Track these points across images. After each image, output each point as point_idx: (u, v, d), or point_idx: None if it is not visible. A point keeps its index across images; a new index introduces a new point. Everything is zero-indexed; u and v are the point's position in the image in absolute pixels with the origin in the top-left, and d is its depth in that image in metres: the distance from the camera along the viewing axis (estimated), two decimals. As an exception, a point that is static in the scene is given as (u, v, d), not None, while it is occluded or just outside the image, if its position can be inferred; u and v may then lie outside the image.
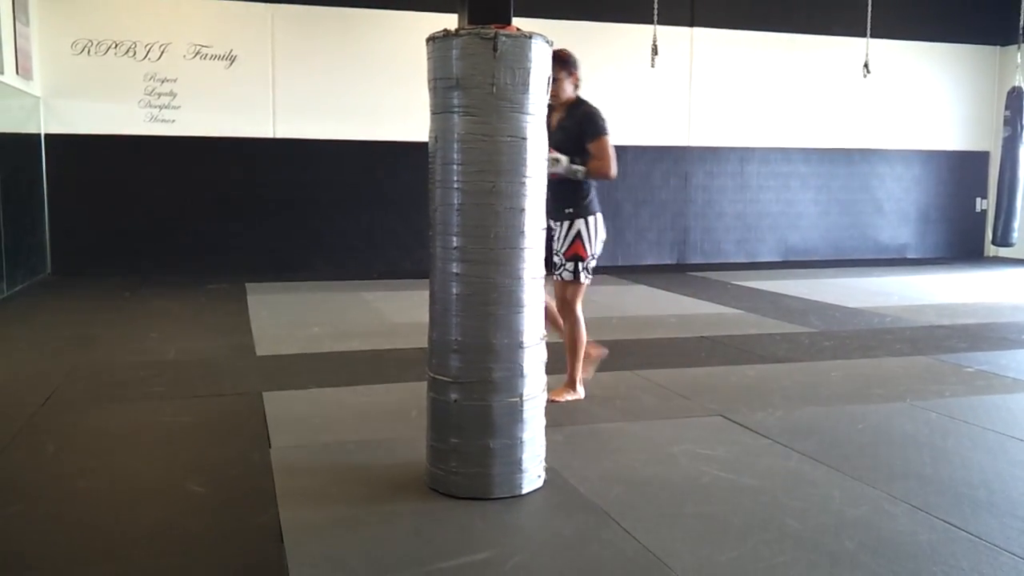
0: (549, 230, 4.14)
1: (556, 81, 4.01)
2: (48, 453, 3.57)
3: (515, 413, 3.06)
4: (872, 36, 9.72)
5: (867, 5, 9.49)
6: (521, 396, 3.07)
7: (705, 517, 2.90)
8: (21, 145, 8.44)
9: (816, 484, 3.21)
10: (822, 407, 4.30)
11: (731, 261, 11.39)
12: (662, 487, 3.17)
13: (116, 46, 9.30)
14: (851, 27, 10.75)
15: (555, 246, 4.25)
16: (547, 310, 4.32)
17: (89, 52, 9.22)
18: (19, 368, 5.12)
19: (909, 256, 12.16)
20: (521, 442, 3.07)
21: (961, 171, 12.33)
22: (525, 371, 3.08)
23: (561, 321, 4.36)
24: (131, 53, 9.34)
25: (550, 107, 3.94)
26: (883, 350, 5.72)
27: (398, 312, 7.11)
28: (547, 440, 3.22)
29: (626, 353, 5.58)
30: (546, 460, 3.22)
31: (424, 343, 3.26)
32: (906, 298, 8.19)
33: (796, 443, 3.68)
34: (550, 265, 4.21)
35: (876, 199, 12.03)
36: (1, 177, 7.48)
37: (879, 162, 11.99)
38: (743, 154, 11.41)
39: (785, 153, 11.56)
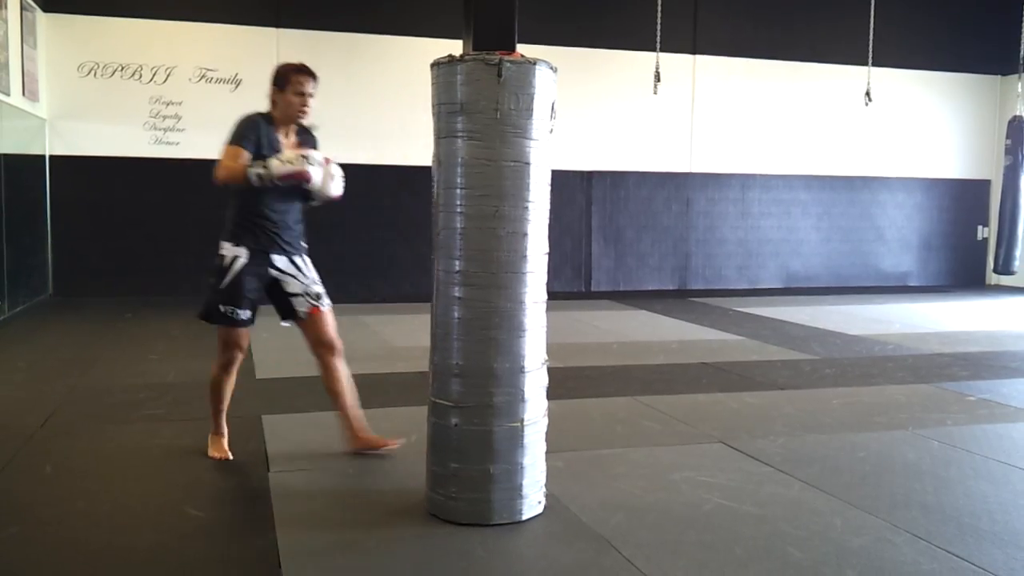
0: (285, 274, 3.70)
1: (312, 96, 3.73)
2: (46, 474, 3.55)
3: (516, 438, 3.05)
4: (874, 65, 9.78)
5: (869, 34, 9.55)
6: (522, 421, 3.06)
7: (706, 546, 2.87)
8: (26, 166, 8.48)
9: (818, 513, 3.19)
10: (824, 435, 4.28)
11: (732, 287, 11.39)
12: (663, 515, 3.15)
13: (122, 69, 9.36)
14: (853, 56, 10.84)
15: (301, 284, 3.75)
16: (335, 383, 3.77)
17: (95, 75, 9.29)
18: (19, 389, 5.11)
19: (910, 284, 12.15)
20: (522, 467, 3.06)
21: (962, 199, 12.36)
22: (526, 396, 3.07)
23: (343, 368, 3.84)
24: (137, 76, 9.40)
25: (295, 126, 3.71)
26: (885, 378, 5.70)
27: (399, 336, 7.11)
28: (547, 466, 3.21)
29: (627, 379, 5.57)
30: (546, 486, 3.20)
31: (424, 367, 3.26)
32: (908, 326, 8.18)
33: (798, 471, 3.66)
34: (290, 312, 3.77)
35: (877, 227, 12.05)
36: (5, 198, 7.51)
37: (881, 190, 12.01)
38: (745, 181, 11.45)
39: (787, 180, 11.59)
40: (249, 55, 9.68)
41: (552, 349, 3.28)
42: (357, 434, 3.83)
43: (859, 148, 11.81)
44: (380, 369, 5.74)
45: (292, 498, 3.28)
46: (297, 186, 3.63)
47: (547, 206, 3.14)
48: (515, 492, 3.05)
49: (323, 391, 4.30)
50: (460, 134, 3.00)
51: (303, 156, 3.59)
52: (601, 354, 6.49)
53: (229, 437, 3.94)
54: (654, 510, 3.19)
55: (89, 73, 9.27)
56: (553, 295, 3.27)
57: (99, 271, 9.32)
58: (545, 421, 3.18)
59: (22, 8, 8.23)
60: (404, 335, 7.07)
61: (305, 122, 3.82)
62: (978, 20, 11.97)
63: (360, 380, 5.39)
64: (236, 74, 9.66)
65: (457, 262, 3.04)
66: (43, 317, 7.94)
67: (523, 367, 3.06)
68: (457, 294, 3.04)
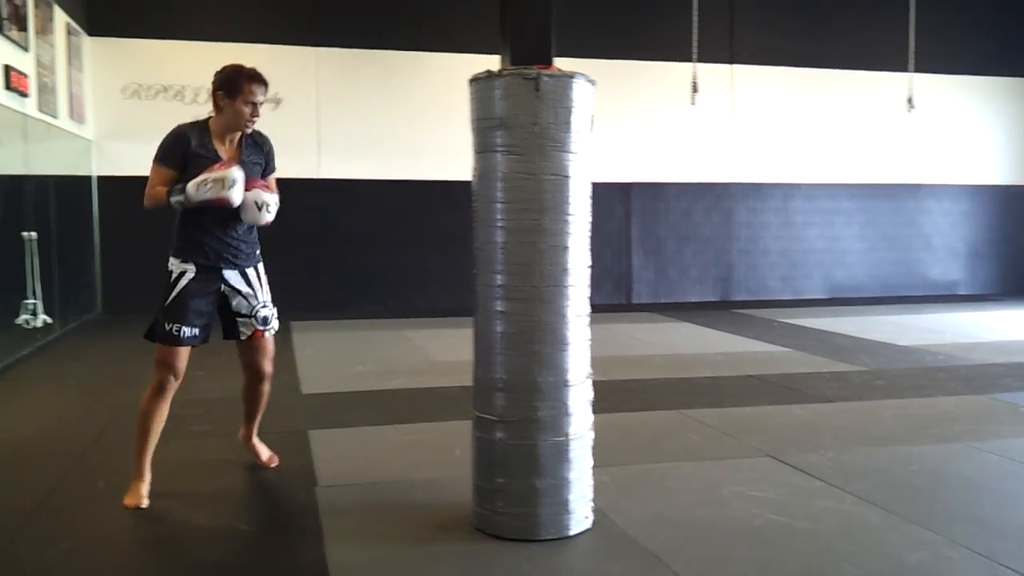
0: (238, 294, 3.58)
1: (262, 104, 3.54)
2: (98, 491, 3.60)
3: (561, 452, 3.02)
4: (916, 71, 9.63)
5: (909, 40, 9.42)
6: (567, 435, 3.04)
7: (758, 561, 2.82)
8: (74, 187, 8.65)
9: (872, 528, 3.12)
10: (875, 448, 4.19)
11: (776, 298, 11.24)
12: (712, 530, 3.10)
13: (165, 90, 9.53)
14: (893, 62, 10.67)
15: (248, 305, 3.64)
16: (253, 396, 3.80)
17: (139, 96, 9.46)
18: (70, 406, 5.19)
19: (960, 292, 11.92)
20: (568, 482, 3.03)
21: (1011, 206, 12.10)
22: (571, 409, 3.05)
23: (265, 390, 3.84)
24: (179, 97, 9.56)
25: (241, 134, 3.53)
26: (937, 389, 5.58)
27: (441, 350, 7.11)
28: (594, 480, 3.17)
29: (672, 392, 5.52)
30: (593, 501, 3.17)
31: (468, 381, 3.25)
32: (959, 335, 8.01)
33: (849, 485, 3.59)
34: (233, 332, 3.65)
35: (924, 235, 11.84)
36: (54, 218, 7.66)
37: (926, 197, 11.81)
38: (786, 190, 11.32)
39: (829, 189, 11.45)
40: (289, 74, 9.79)
41: (594, 362, 3.25)
42: (250, 439, 3.92)
43: (902, 155, 11.63)
44: (423, 384, 5.75)
45: (340, 513, 3.28)
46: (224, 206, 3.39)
47: (588, 219, 3.12)
48: (562, 507, 3.02)
49: (369, 406, 4.33)
50: (499, 148, 3.00)
51: (221, 179, 3.31)
52: (644, 367, 6.44)
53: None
54: (703, 525, 3.14)
55: (133, 95, 9.45)
56: (594, 308, 3.25)
57: (146, 289, 9.32)
58: (591, 435, 3.15)
59: (68, 33, 8.42)
60: (446, 349, 7.08)
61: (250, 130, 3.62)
62: (1022, 22, 11.75)
63: (403, 395, 5.43)
64: (276, 93, 9.75)
65: (498, 276, 3.03)
66: (92, 335, 8.08)
67: (567, 380, 3.04)
68: (499, 308, 3.03)
